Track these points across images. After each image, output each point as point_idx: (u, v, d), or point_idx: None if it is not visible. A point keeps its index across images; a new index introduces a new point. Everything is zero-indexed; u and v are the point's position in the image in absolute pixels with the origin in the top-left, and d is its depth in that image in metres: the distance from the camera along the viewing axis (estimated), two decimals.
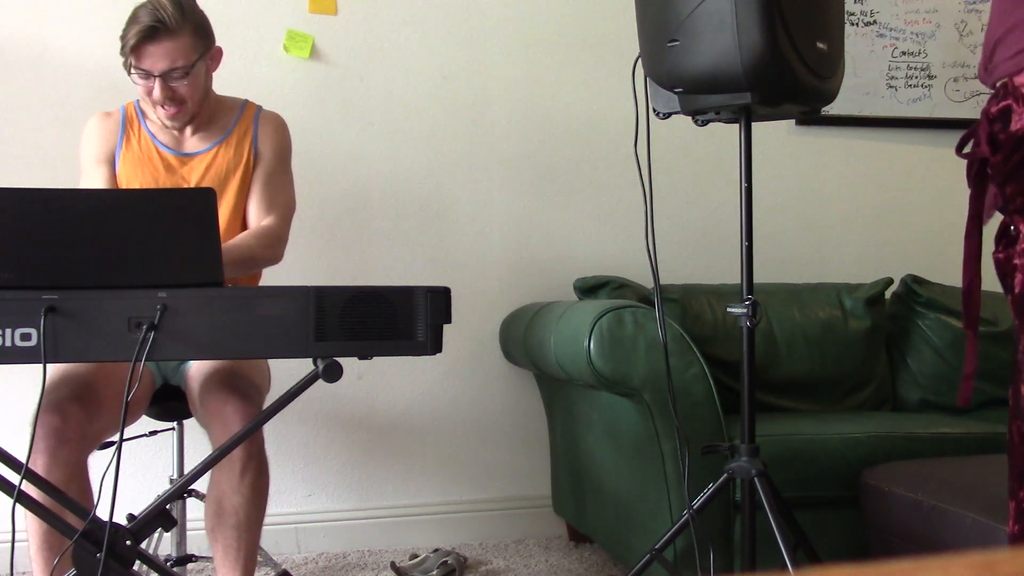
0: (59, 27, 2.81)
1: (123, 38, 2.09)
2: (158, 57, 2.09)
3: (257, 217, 2.26)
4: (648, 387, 2.24)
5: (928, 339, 3.01)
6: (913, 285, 3.08)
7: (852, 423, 2.50)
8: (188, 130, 2.26)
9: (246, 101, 2.35)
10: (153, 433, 2.43)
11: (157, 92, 2.12)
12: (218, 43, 2.23)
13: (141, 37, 2.05)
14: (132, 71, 2.12)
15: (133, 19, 2.08)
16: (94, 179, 2.24)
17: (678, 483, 2.22)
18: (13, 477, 1.59)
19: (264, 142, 2.29)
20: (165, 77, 2.11)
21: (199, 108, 2.22)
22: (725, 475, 2.01)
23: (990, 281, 1.54)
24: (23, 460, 1.58)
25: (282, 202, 2.29)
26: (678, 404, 2.11)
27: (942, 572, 0.40)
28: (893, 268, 3.21)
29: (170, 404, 2.26)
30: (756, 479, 1.96)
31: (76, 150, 2.72)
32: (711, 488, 2.03)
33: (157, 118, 2.22)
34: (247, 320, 1.55)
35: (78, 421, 1.87)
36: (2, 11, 2.79)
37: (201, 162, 2.25)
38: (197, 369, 2.11)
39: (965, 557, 0.41)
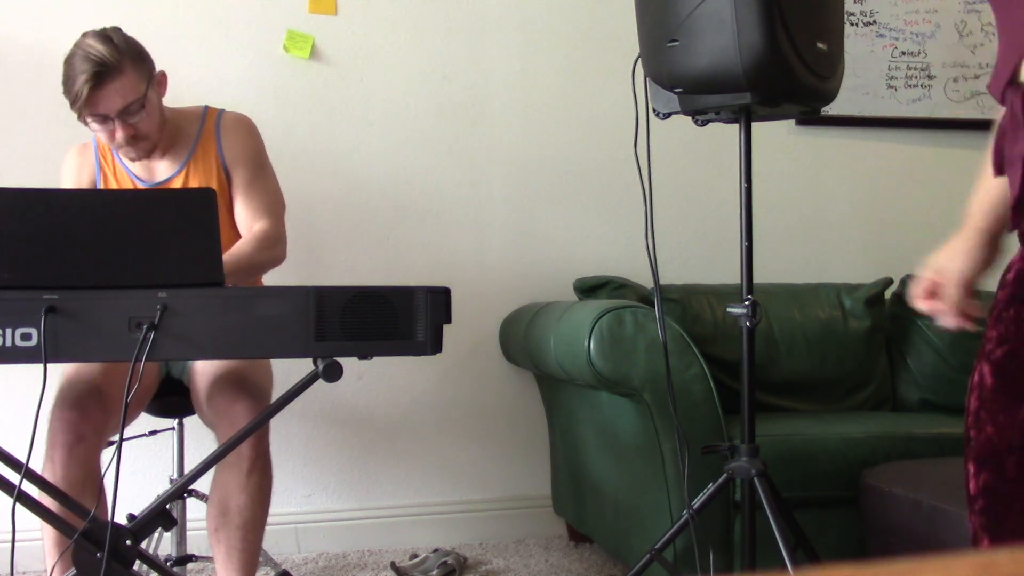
0: (59, 27, 2.81)
1: (69, 93, 2.04)
2: (110, 99, 2.05)
3: (248, 226, 2.23)
4: (648, 387, 2.24)
5: (928, 339, 3.01)
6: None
7: (852, 423, 2.50)
8: (156, 154, 2.22)
9: (206, 108, 2.31)
10: (153, 433, 2.44)
11: (120, 134, 2.09)
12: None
13: (90, 86, 2.00)
14: (89, 120, 2.08)
15: (72, 70, 2.03)
16: None
17: (678, 483, 2.22)
18: (13, 477, 1.60)
19: (230, 151, 2.25)
20: (123, 116, 2.07)
21: (160, 135, 2.19)
22: (725, 475, 2.01)
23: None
24: (23, 460, 1.58)
25: (267, 203, 2.26)
26: (678, 404, 2.11)
27: (942, 572, 0.40)
28: (893, 268, 3.20)
29: (171, 399, 2.25)
30: (756, 479, 1.96)
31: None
32: (711, 488, 2.03)
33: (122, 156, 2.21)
34: (247, 320, 1.55)
35: (96, 418, 1.91)
36: (2, 11, 2.80)
37: (176, 184, 2.22)
38: (203, 368, 2.11)
39: (965, 557, 0.41)
